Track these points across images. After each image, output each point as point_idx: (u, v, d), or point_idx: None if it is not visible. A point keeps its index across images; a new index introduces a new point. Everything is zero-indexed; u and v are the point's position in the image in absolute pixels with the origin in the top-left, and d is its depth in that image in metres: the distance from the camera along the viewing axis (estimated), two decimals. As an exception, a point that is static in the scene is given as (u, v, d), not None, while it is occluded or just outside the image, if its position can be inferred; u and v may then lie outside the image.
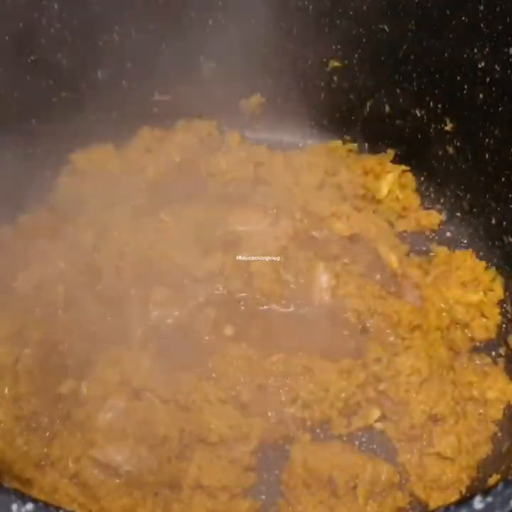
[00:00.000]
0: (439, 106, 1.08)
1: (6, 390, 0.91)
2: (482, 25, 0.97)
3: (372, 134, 1.16)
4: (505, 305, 1.04)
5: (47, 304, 0.99)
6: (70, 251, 1.03)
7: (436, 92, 1.07)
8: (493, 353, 1.01)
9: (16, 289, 1.00)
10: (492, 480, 0.86)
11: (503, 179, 1.03)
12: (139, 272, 1.02)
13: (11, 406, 0.90)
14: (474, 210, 1.09)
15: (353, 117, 1.16)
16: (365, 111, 1.15)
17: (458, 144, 1.09)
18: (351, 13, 1.07)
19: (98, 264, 1.03)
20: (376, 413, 0.95)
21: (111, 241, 1.04)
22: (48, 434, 0.90)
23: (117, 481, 0.87)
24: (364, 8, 1.06)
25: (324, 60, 1.14)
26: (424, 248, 1.10)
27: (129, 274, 1.02)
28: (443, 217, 1.13)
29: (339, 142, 1.18)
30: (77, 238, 1.04)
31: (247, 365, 0.95)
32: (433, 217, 1.12)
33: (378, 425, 0.95)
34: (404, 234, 1.11)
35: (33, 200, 1.10)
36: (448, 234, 1.12)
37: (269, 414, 0.93)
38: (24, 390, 0.91)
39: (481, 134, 1.04)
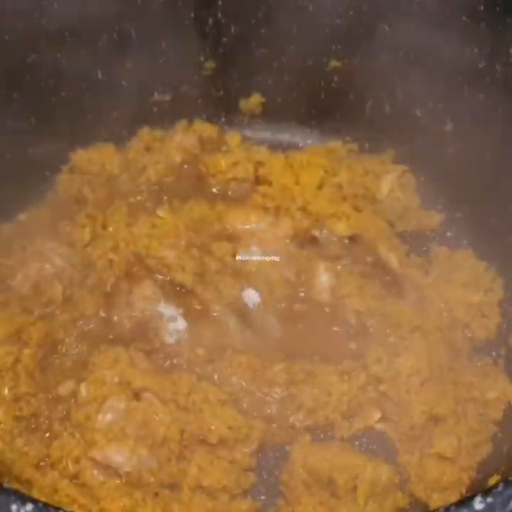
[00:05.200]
0: (439, 106, 1.08)
1: (6, 391, 0.91)
2: (482, 25, 0.97)
3: (373, 134, 1.16)
4: (505, 305, 1.04)
5: (45, 303, 0.99)
6: (68, 248, 1.03)
7: (436, 92, 1.07)
8: (494, 353, 1.01)
9: (14, 289, 1.00)
10: (492, 480, 0.85)
11: (503, 179, 1.03)
12: (130, 267, 1.03)
13: (11, 407, 0.90)
14: (474, 210, 1.09)
15: (353, 117, 1.16)
16: (365, 111, 1.15)
17: (458, 144, 1.08)
18: (351, 13, 1.07)
19: (92, 259, 1.03)
20: (377, 414, 0.95)
21: (106, 236, 1.05)
22: (47, 434, 0.90)
23: (117, 481, 0.87)
24: (364, 7, 1.06)
25: (324, 60, 1.14)
26: (424, 248, 1.09)
27: (121, 268, 1.02)
28: (443, 217, 1.12)
29: (339, 142, 1.17)
30: (74, 235, 1.05)
31: (251, 373, 0.95)
32: (433, 218, 1.12)
33: (379, 426, 0.95)
34: (405, 234, 1.11)
35: (33, 198, 1.10)
36: (448, 234, 1.12)
37: (273, 421, 0.93)
38: (24, 391, 0.91)
39: (481, 134, 1.03)
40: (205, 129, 1.16)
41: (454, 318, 1.01)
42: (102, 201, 1.09)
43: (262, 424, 0.92)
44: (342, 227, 1.07)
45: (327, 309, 1.02)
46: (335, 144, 1.17)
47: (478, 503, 0.58)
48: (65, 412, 0.91)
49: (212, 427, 0.90)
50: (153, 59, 1.11)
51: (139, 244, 1.04)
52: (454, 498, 0.89)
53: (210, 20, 1.11)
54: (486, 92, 1.00)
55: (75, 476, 0.88)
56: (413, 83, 1.08)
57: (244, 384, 0.95)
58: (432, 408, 0.92)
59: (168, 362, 0.97)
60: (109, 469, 0.88)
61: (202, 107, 1.18)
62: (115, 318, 1.00)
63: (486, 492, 0.58)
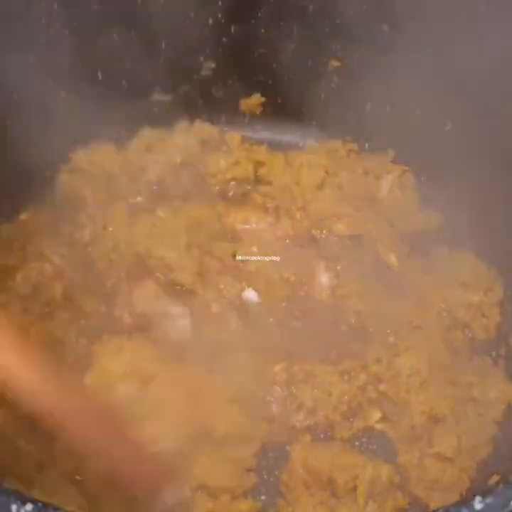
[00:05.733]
0: (440, 106, 1.08)
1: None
2: (482, 25, 0.97)
3: (373, 134, 1.16)
4: (505, 305, 1.04)
5: (45, 303, 0.99)
6: (68, 249, 1.03)
7: (436, 91, 1.07)
8: (494, 353, 1.01)
9: (14, 289, 1.00)
10: (492, 481, 0.85)
11: (503, 179, 1.02)
12: (131, 267, 1.03)
13: (12, 406, 0.90)
14: (474, 210, 1.09)
15: (353, 117, 1.16)
16: (365, 111, 1.15)
17: (458, 144, 1.08)
18: (351, 13, 1.07)
19: (92, 259, 1.03)
20: (377, 414, 0.95)
21: (106, 236, 1.05)
22: (47, 433, 0.90)
23: (118, 480, 0.88)
24: (364, 7, 1.06)
25: (324, 60, 1.14)
26: (424, 248, 1.10)
27: (122, 268, 1.03)
28: (443, 217, 1.12)
29: (339, 142, 1.18)
30: (74, 236, 1.05)
31: (251, 372, 0.95)
32: (433, 218, 1.12)
33: (379, 426, 0.95)
34: (405, 234, 1.10)
35: (33, 198, 1.10)
36: (448, 234, 1.12)
37: (273, 421, 0.93)
38: None
39: (481, 134, 1.03)
40: (205, 129, 1.16)
41: (454, 318, 1.01)
42: (101, 201, 1.09)
43: (263, 424, 0.93)
44: (342, 227, 1.07)
45: (327, 309, 1.02)
46: (335, 143, 1.17)
47: (478, 503, 0.57)
48: None
49: (217, 424, 0.90)
50: (153, 59, 1.11)
51: (139, 244, 1.04)
52: (454, 498, 0.89)
53: (210, 21, 1.11)
54: (486, 91, 1.00)
55: (75, 476, 0.88)
56: (413, 83, 1.08)
57: (244, 384, 0.95)
58: (432, 408, 0.92)
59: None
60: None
61: (202, 106, 1.18)
62: (116, 314, 1.00)
63: (486, 492, 0.58)
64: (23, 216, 1.09)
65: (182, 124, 1.16)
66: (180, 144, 1.13)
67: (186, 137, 1.14)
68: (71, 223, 1.06)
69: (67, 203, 1.10)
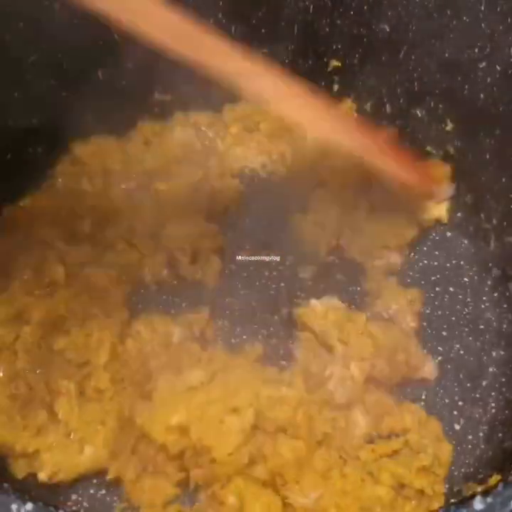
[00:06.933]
0: (440, 106, 1.08)
1: (2, 370, 0.90)
2: (482, 25, 0.97)
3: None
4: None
5: (47, 284, 0.99)
6: (70, 236, 1.03)
7: (437, 92, 1.07)
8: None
9: (16, 272, 0.99)
10: (492, 480, 0.85)
11: (503, 179, 1.03)
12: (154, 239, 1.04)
13: (7, 386, 0.90)
14: (475, 210, 1.09)
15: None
16: (366, 111, 1.15)
17: (458, 144, 1.09)
18: (351, 13, 1.07)
19: (105, 243, 1.03)
20: None
21: (113, 222, 1.04)
22: (46, 406, 0.90)
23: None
24: (364, 7, 1.06)
25: (324, 60, 1.14)
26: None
27: (144, 242, 1.03)
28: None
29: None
30: (75, 225, 1.04)
31: None
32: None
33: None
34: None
35: (33, 186, 1.09)
36: (448, 234, 1.12)
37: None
38: (20, 367, 0.91)
39: (481, 134, 1.04)
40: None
41: None
42: (101, 192, 1.08)
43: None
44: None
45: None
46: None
47: (478, 503, 0.57)
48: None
49: None
50: (153, 59, 1.11)
51: (152, 216, 1.04)
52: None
53: (211, 21, 1.11)
54: (486, 92, 1.01)
55: None
56: (413, 83, 1.08)
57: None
58: None
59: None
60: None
61: (202, 106, 1.18)
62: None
63: (486, 492, 0.58)
64: (22, 204, 1.08)
65: (179, 117, 1.16)
66: (179, 139, 1.14)
67: (185, 131, 1.14)
68: (71, 214, 1.06)
69: (66, 194, 1.10)
